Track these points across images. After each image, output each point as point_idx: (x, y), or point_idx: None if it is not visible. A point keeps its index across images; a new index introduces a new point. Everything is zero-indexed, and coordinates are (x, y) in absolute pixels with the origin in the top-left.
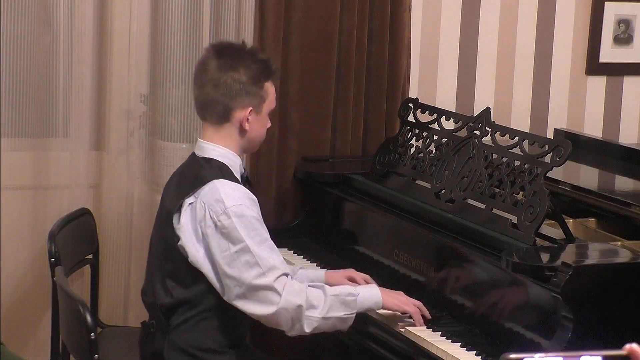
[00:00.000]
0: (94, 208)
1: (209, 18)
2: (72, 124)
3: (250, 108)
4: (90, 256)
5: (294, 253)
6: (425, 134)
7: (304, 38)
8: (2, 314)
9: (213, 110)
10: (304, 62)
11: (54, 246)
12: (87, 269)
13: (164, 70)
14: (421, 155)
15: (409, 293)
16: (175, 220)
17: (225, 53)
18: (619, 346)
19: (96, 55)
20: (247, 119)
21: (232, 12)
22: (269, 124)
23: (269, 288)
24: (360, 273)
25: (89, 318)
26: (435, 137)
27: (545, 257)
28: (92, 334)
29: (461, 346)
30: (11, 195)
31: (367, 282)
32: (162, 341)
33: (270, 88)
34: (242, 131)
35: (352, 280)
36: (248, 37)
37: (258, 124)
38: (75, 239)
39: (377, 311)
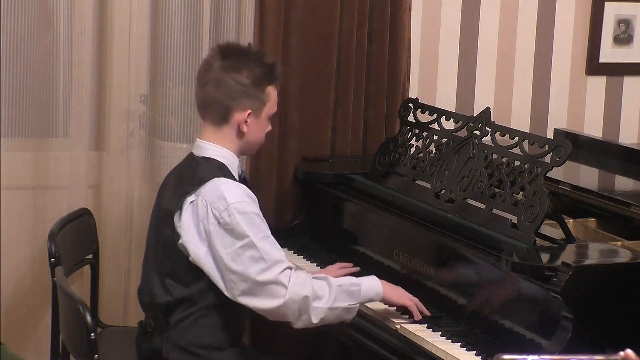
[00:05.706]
0: (94, 208)
1: (209, 18)
2: (72, 124)
3: (250, 111)
4: (90, 256)
5: (294, 253)
6: (425, 134)
7: (304, 38)
8: (2, 314)
9: (213, 110)
10: (304, 62)
11: (54, 246)
12: (87, 269)
13: (164, 70)
14: (421, 155)
15: (409, 292)
16: (176, 219)
17: (231, 54)
18: (619, 347)
19: (96, 55)
20: (246, 122)
21: (232, 12)
22: (269, 128)
23: (275, 282)
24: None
25: (88, 318)
26: (435, 137)
27: (545, 257)
28: (92, 334)
29: (461, 346)
30: (11, 195)
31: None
32: (161, 340)
33: (272, 92)
34: (240, 133)
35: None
36: (248, 37)
37: (256, 128)
38: (75, 239)
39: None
